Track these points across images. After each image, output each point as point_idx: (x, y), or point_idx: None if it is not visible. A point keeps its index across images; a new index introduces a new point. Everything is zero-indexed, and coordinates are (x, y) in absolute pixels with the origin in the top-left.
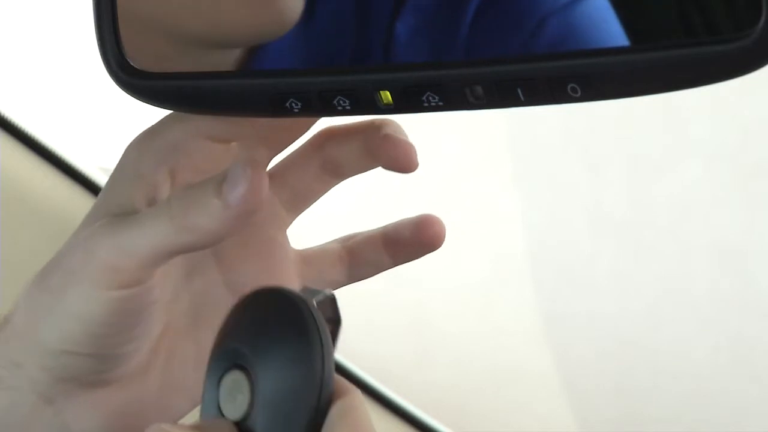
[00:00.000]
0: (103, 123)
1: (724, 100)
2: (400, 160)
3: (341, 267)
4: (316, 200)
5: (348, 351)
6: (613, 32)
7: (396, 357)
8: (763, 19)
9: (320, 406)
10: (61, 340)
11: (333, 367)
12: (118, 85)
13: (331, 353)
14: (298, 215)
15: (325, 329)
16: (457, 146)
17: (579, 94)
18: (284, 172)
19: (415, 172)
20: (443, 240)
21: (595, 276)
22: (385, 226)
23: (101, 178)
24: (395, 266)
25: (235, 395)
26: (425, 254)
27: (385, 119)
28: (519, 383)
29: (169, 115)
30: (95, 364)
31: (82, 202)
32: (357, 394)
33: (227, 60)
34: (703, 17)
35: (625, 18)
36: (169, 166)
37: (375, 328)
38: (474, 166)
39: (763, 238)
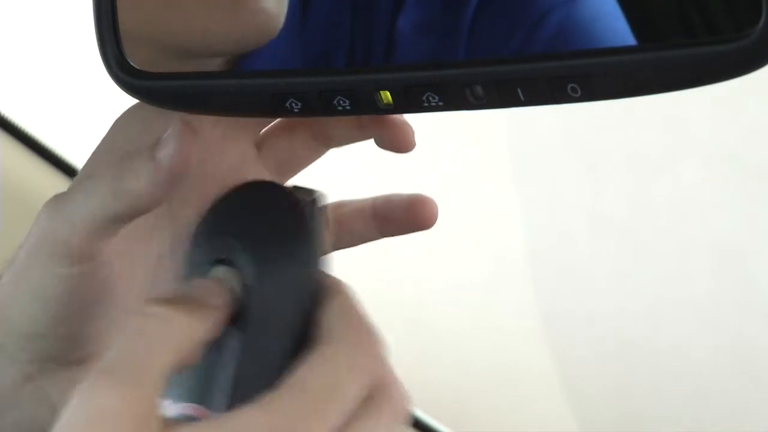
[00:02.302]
0: (103, 123)
1: (724, 100)
2: (393, 140)
3: (327, 236)
4: (305, 167)
5: None
6: (615, 28)
7: (395, 357)
8: (763, 19)
9: (314, 301)
10: (29, 323)
11: (325, 264)
12: (118, 85)
13: (324, 252)
14: (285, 181)
15: (321, 227)
16: (457, 146)
17: (579, 94)
18: (272, 138)
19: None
20: (435, 221)
21: (595, 276)
22: (375, 198)
23: None
24: (381, 238)
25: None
26: (415, 232)
27: None
28: (519, 383)
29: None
30: (67, 345)
31: None
32: (350, 292)
33: (213, 61)
34: (703, 17)
35: (626, 18)
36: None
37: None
38: (474, 166)
39: (763, 238)
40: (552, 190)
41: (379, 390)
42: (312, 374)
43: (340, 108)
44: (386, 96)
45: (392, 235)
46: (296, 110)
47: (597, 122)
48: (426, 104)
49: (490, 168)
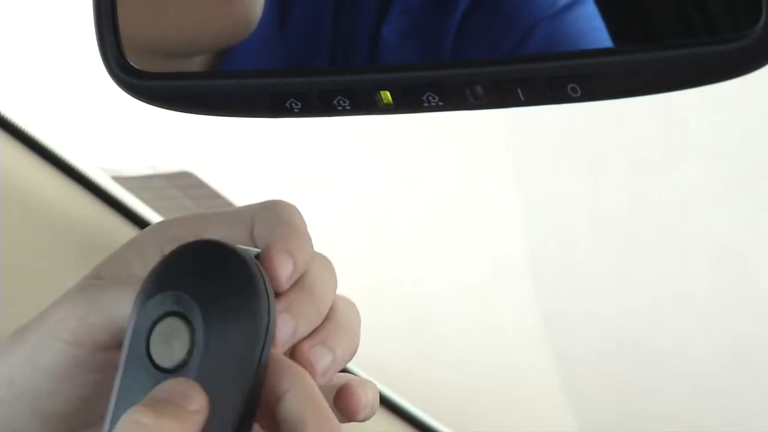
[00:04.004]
0: (103, 123)
1: (724, 100)
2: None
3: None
4: None
5: None
6: (599, 42)
7: (396, 357)
8: (763, 19)
9: (262, 359)
10: (47, 402)
11: (276, 323)
12: (118, 85)
13: (275, 309)
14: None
15: (269, 283)
16: (457, 146)
17: (579, 94)
18: None
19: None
20: (360, 413)
21: (595, 276)
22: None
23: (101, 178)
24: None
25: (172, 342)
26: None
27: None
28: (519, 383)
29: (181, 217)
30: (83, 418)
31: (81, 203)
32: (309, 379)
33: (190, 64)
34: (703, 17)
35: (626, 18)
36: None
37: (375, 327)
38: (474, 166)
39: (763, 238)
40: (552, 190)
41: None
42: None
43: (340, 108)
44: (386, 96)
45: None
46: (296, 110)
47: (597, 122)
48: (426, 104)
49: (490, 168)
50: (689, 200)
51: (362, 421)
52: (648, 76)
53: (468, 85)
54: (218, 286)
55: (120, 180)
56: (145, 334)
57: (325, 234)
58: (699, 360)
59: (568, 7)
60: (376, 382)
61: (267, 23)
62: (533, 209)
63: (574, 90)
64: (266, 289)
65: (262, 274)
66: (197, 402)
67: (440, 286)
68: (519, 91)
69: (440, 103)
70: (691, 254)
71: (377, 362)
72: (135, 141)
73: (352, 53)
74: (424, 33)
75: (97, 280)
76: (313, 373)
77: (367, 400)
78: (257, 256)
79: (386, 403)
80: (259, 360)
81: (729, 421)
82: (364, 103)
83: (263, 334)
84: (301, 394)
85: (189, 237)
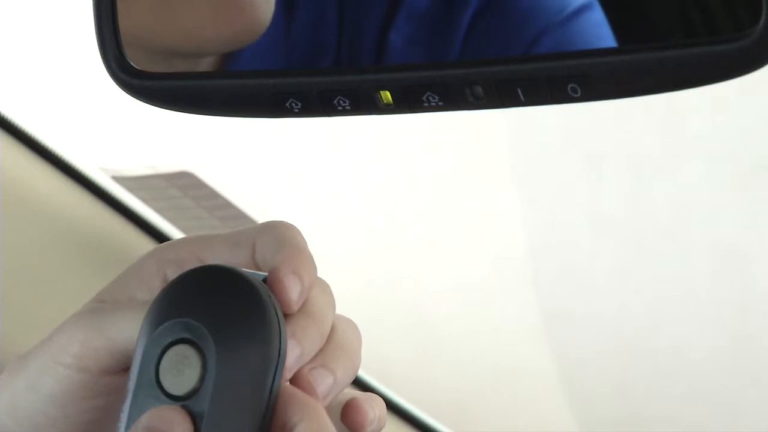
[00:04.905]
0: (103, 123)
1: (724, 100)
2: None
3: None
4: None
5: None
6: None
7: (396, 357)
8: (763, 19)
9: (275, 386)
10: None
11: (286, 347)
12: (118, 85)
13: (286, 334)
14: None
15: (281, 312)
16: (457, 146)
17: (579, 94)
18: None
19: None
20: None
21: (595, 276)
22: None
23: (101, 178)
24: None
25: (182, 369)
26: None
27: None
28: (519, 383)
29: (181, 240)
30: None
31: (81, 203)
32: (321, 413)
33: (199, 65)
34: (703, 17)
35: (626, 18)
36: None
37: (375, 328)
38: (474, 165)
39: (763, 238)
40: (552, 190)
41: None
42: None
43: (340, 108)
44: (386, 96)
45: None
46: (296, 110)
47: (597, 122)
48: (426, 104)
49: (490, 167)
50: (689, 200)
51: None
52: (648, 77)
53: (468, 85)
54: (229, 312)
55: (120, 180)
56: (154, 361)
57: (325, 234)
58: (699, 360)
59: (576, 14)
60: (376, 382)
61: (273, 26)
62: (533, 209)
63: (574, 90)
64: (277, 315)
65: (271, 300)
66: (183, 427)
67: (440, 286)
68: (519, 91)
69: (440, 103)
70: (691, 254)
71: (377, 363)
72: (135, 141)
73: (359, 57)
74: (431, 37)
75: (100, 303)
76: (314, 396)
77: (374, 414)
78: (264, 280)
79: (386, 403)
80: (272, 387)
81: (729, 421)
82: (364, 103)
83: (275, 360)
84: (312, 427)
85: (190, 260)
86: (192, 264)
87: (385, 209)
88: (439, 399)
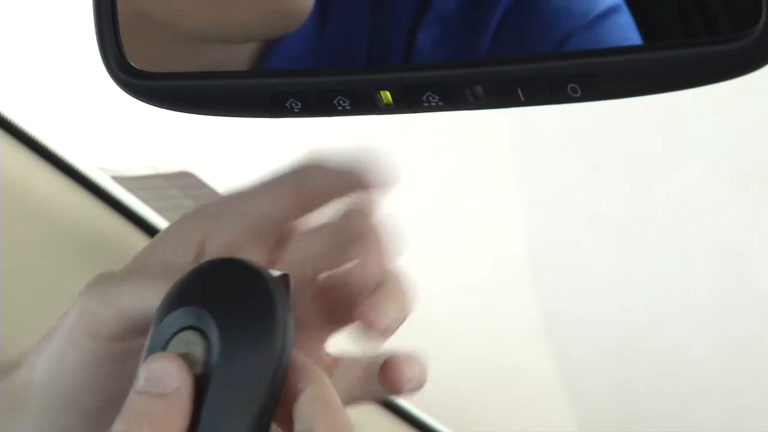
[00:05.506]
0: (103, 123)
1: (724, 100)
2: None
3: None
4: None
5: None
6: None
7: None
8: (763, 19)
9: (276, 378)
10: (74, 399)
11: (293, 340)
12: (118, 85)
13: (292, 328)
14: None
15: (288, 305)
16: (457, 146)
17: (579, 94)
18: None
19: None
20: (404, 385)
21: (595, 276)
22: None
23: (101, 178)
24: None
25: (187, 354)
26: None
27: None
28: (519, 383)
29: (226, 200)
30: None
31: (81, 203)
32: (325, 380)
33: (234, 60)
34: (703, 17)
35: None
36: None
37: None
38: (474, 165)
39: (763, 238)
40: (552, 190)
41: None
42: None
43: (340, 108)
44: (386, 96)
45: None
46: (296, 110)
47: (597, 122)
48: (426, 104)
49: (490, 167)
50: (690, 200)
51: (407, 395)
52: (647, 77)
53: (468, 85)
54: (236, 303)
55: (120, 180)
56: (162, 345)
57: None
58: (699, 360)
59: (603, 16)
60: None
61: (309, 22)
62: (533, 209)
63: (574, 90)
64: (283, 311)
65: (281, 295)
66: (172, 383)
67: (440, 286)
68: (519, 91)
69: (440, 103)
70: (691, 254)
71: None
72: (135, 141)
73: (388, 57)
74: (459, 38)
75: (110, 273)
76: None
77: (412, 373)
78: (282, 277)
79: (386, 403)
80: (272, 380)
81: (729, 421)
82: (364, 103)
83: (277, 356)
84: (317, 391)
85: (229, 219)
86: (233, 222)
87: (384, 209)
88: (439, 399)
